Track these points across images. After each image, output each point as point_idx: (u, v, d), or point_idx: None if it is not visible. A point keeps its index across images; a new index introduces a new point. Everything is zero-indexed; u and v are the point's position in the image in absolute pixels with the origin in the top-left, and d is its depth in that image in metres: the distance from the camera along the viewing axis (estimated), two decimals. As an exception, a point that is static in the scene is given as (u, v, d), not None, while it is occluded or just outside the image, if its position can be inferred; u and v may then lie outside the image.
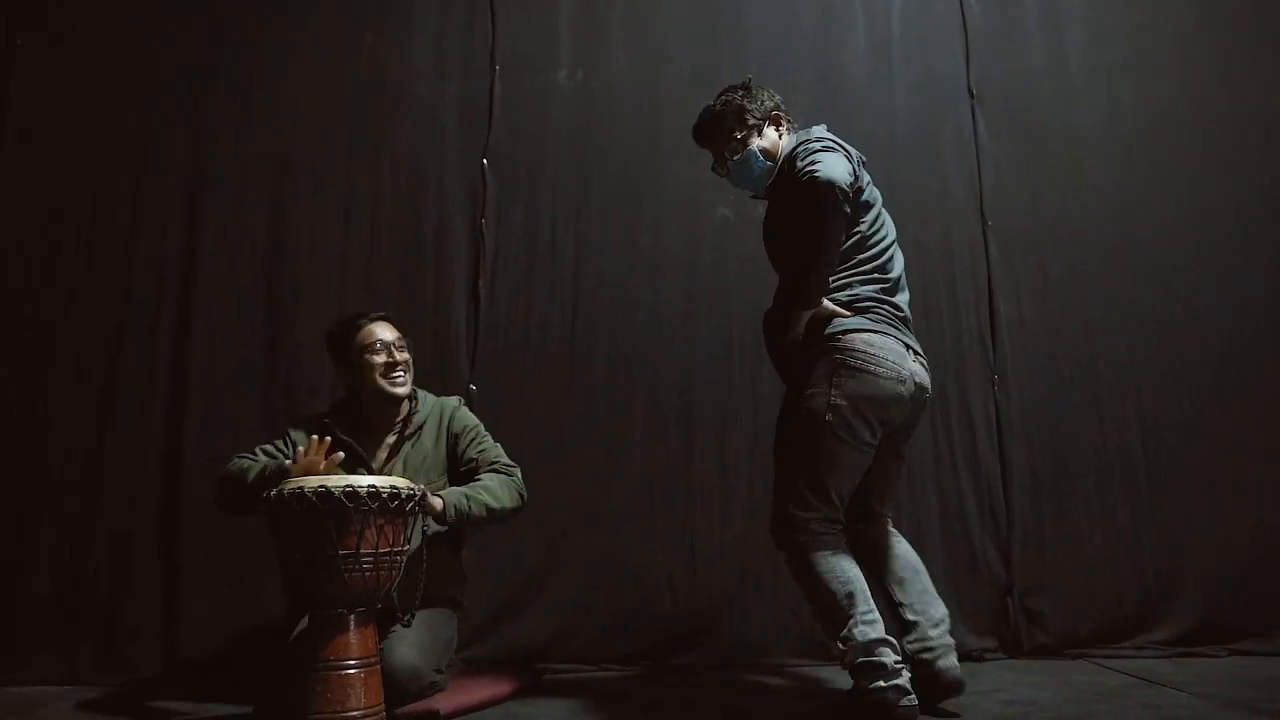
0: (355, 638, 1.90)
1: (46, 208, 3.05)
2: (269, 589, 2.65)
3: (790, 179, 2.11)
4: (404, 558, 1.98)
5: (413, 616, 2.06)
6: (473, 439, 2.38)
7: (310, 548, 1.87)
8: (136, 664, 2.73)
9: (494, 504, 2.21)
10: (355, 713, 1.85)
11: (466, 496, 2.17)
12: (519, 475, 2.34)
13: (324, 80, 3.21)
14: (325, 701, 1.83)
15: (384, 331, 2.36)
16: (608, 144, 3.23)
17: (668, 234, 3.17)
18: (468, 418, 2.44)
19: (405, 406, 2.39)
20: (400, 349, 2.37)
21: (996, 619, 2.97)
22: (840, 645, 1.99)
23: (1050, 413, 3.14)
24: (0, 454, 2.85)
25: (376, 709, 1.90)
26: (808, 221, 2.04)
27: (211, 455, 2.86)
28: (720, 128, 2.27)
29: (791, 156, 2.16)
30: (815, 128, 2.25)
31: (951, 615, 2.86)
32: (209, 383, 2.96)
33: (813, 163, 2.04)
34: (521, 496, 2.31)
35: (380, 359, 2.33)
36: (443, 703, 2.14)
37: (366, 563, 1.88)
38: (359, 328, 2.36)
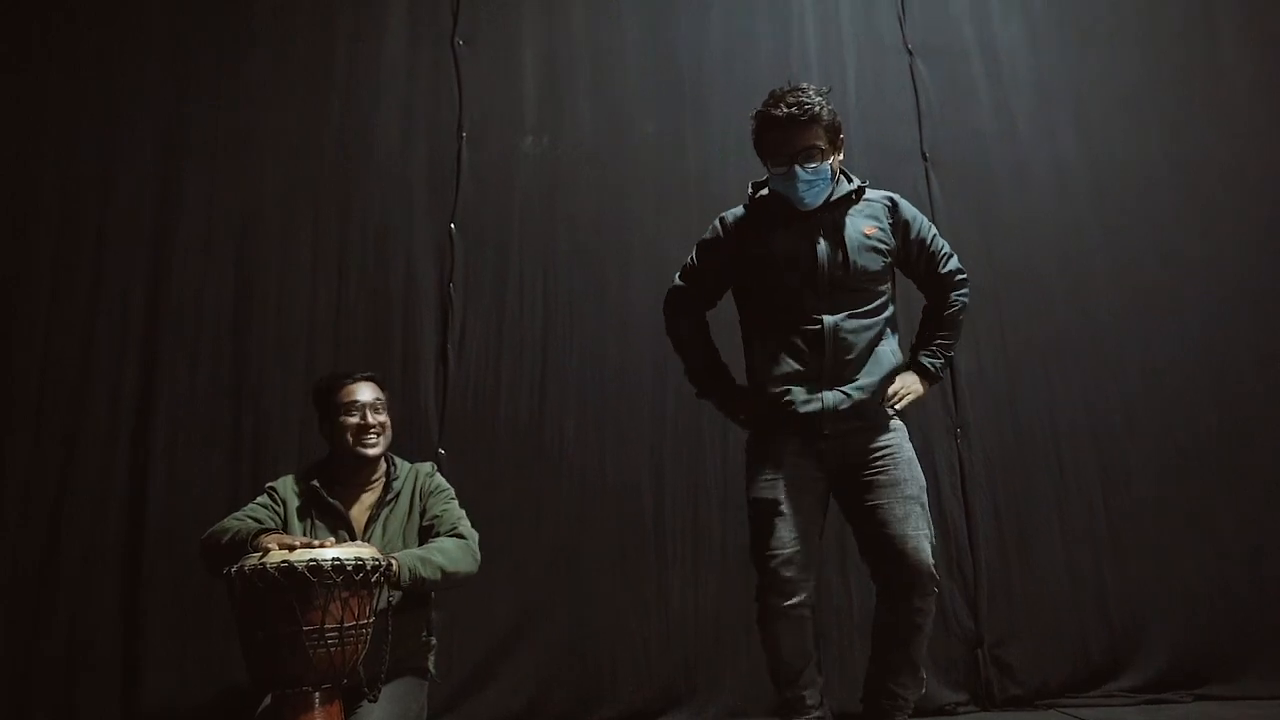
0: (320, 716, 1.87)
1: (3, 266, 3.01)
2: (234, 656, 2.58)
3: (913, 239, 2.24)
4: (369, 630, 1.96)
5: (379, 691, 2.03)
6: (440, 499, 2.38)
7: (273, 625, 1.84)
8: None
9: (449, 567, 2.18)
10: (320, 794, 1.81)
11: (421, 560, 2.15)
12: (475, 542, 2.32)
13: (292, 142, 3.25)
14: (289, 783, 1.80)
15: (363, 393, 2.37)
16: (574, 206, 3.29)
17: (635, 293, 3.20)
18: (440, 481, 2.43)
19: (382, 468, 2.39)
20: (377, 410, 2.37)
21: (967, 672, 2.98)
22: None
23: (1013, 463, 3.19)
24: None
25: (342, 789, 1.87)
26: (958, 313, 2.28)
27: (175, 516, 2.86)
28: (807, 130, 2.10)
29: (902, 212, 2.24)
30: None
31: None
32: (173, 444, 2.93)
33: (960, 265, 2.29)
34: (476, 561, 2.30)
35: (354, 420, 2.33)
36: (411, 777, 2.11)
37: (332, 638, 1.86)
38: (340, 386, 2.37)
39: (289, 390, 3.01)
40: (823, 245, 2.15)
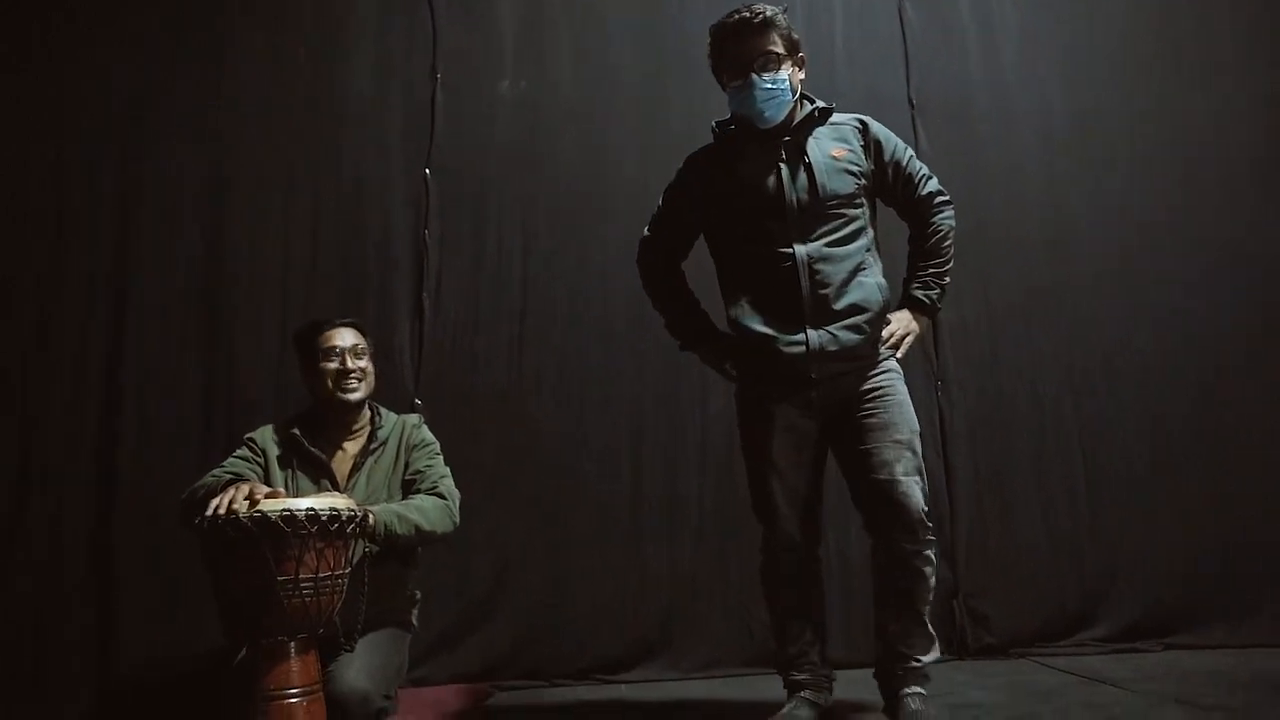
0: (296, 666, 1.85)
1: None
2: (209, 618, 2.56)
3: (887, 160, 2.12)
4: (345, 581, 1.94)
5: (356, 641, 2.01)
6: (425, 454, 2.35)
7: (247, 575, 1.81)
8: (69, 693, 2.63)
9: (425, 525, 2.16)
10: (297, 743, 1.80)
11: (398, 516, 2.13)
12: (456, 504, 2.30)
13: (262, 90, 3.14)
14: (266, 733, 1.78)
15: (344, 338, 2.33)
16: (553, 153, 3.21)
17: (616, 244, 3.11)
18: (426, 434, 2.41)
19: (366, 416, 2.35)
20: (358, 355, 2.33)
21: (943, 622, 3.01)
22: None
23: (993, 416, 3.20)
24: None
25: (319, 738, 1.86)
26: (944, 237, 2.14)
27: (149, 473, 2.81)
28: (761, 36, 2.02)
29: (874, 133, 2.13)
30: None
31: None
32: (144, 402, 2.87)
33: (940, 187, 2.16)
34: (454, 523, 2.28)
35: (333, 365, 2.29)
36: (390, 728, 2.10)
37: (306, 588, 1.83)
38: (320, 332, 2.33)
39: (263, 344, 2.95)
40: (787, 169, 2.04)
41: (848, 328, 2.00)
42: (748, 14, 2.03)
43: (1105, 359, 3.26)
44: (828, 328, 2.00)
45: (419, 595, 2.39)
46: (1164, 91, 3.48)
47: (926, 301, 2.15)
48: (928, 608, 2.04)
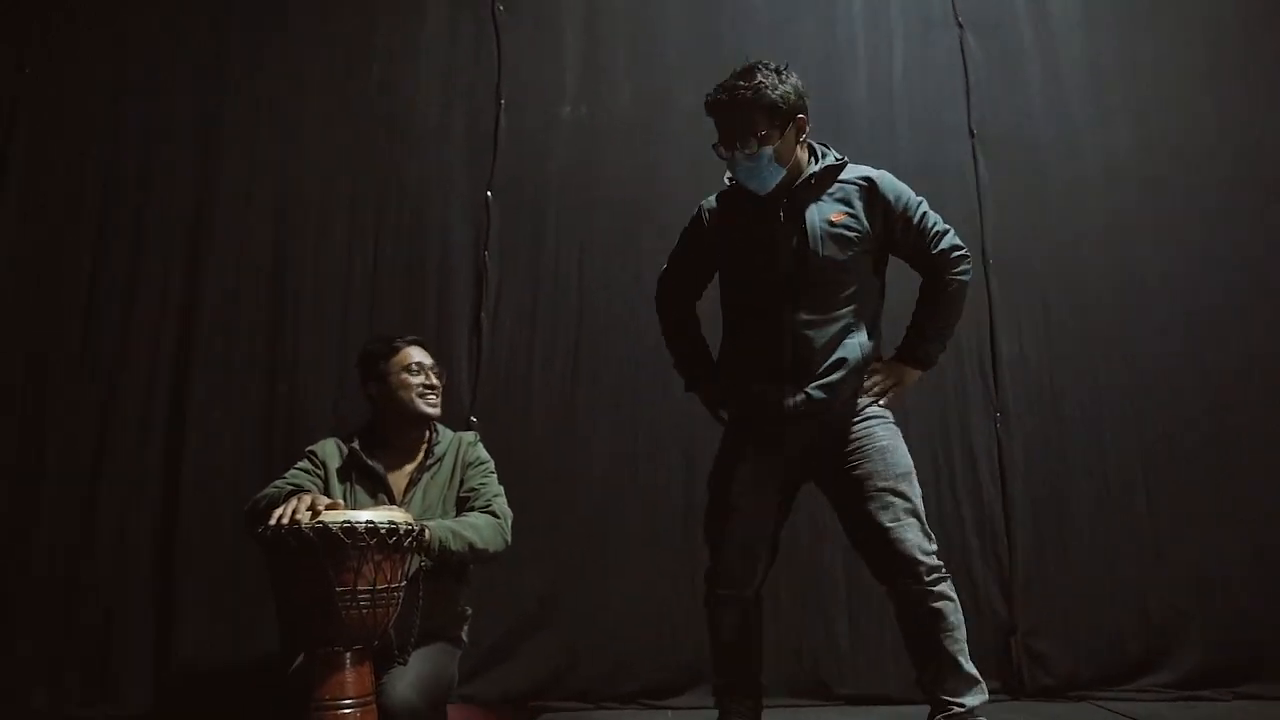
0: (351, 676, 1.87)
1: (50, 239, 3.06)
2: (265, 622, 2.62)
3: (895, 218, 2.08)
4: (401, 594, 1.96)
5: (410, 654, 2.03)
6: (479, 472, 2.38)
7: (307, 585, 1.85)
8: (128, 697, 2.70)
9: (478, 543, 2.18)
10: (350, 754, 1.82)
11: (452, 532, 2.15)
12: (508, 523, 2.32)
13: (331, 111, 3.25)
14: (320, 742, 1.80)
15: (422, 355, 2.40)
16: (611, 176, 3.25)
17: (670, 265, 3.17)
18: (482, 452, 2.44)
19: (424, 434, 2.40)
20: (437, 374, 2.39)
21: (999, 660, 2.94)
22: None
23: (1053, 450, 3.13)
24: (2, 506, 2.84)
25: (372, 750, 1.87)
26: (955, 294, 2.10)
27: (211, 487, 2.89)
28: (740, 115, 2.00)
29: (884, 190, 2.08)
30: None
31: None
32: (208, 415, 2.96)
33: (956, 241, 2.11)
34: (506, 541, 2.29)
35: (418, 379, 2.35)
36: (439, 742, 2.11)
37: (364, 600, 1.86)
38: (397, 349, 2.38)
39: (323, 360, 3.02)
40: (781, 235, 2.05)
41: (822, 387, 2.02)
42: (724, 95, 2.02)
43: (1171, 392, 3.18)
44: (806, 388, 2.02)
45: (470, 611, 2.41)
46: (1233, 116, 3.40)
47: (922, 356, 2.14)
48: (960, 646, 1.95)
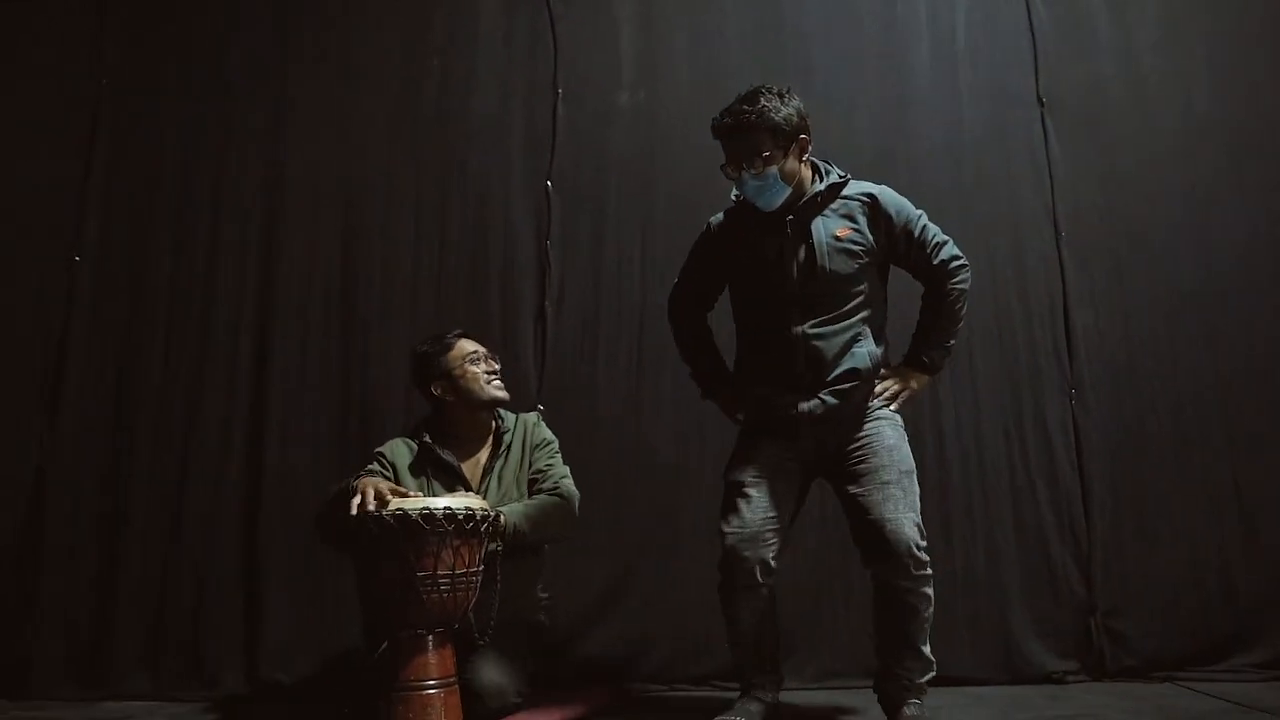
0: (434, 658, 1.94)
1: (132, 242, 3.19)
2: (348, 611, 2.70)
3: (897, 232, 2.20)
4: (479, 578, 2.01)
5: (489, 636, 2.08)
6: (546, 453, 2.44)
7: (388, 571, 1.91)
8: (221, 681, 2.82)
9: (549, 526, 2.26)
10: (436, 733, 1.88)
11: (525, 516, 2.21)
12: (576, 502, 2.37)
13: (393, 106, 3.31)
14: (407, 722, 1.87)
15: (475, 345, 2.46)
16: (671, 163, 3.24)
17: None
18: (546, 432, 2.51)
19: (492, 422, 2.44)
20: (494, 359, 2.46)
21: (1078, 640, 2.88)
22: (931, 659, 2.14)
23: (1131, 427, 3.04)
24: (91, 486, 2.97)
25: (456, 729, 1.93)
26: (955, 302, 2.23)
27: (289, 478, 2.99)
28: (746, 138, 2.13)
29: (884, 205, 2.20)
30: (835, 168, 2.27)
31: (1029, 635, 2.87)
32: (286, 408, 3.06)
33: (955, 252, 2.23)
34: (575, 523, 2.36)
35: (482, 367, 2.41)
36: (521, 721, 2.16)
37: (444, 584, 1.92)
38: (450, 345, 2.43)
39: (392, 351, 3.08)
40: (789, 250, 2.17)
41: (835, 394, 2.14)
42: (730, 120, 2.15)
43: (1254, 363, 3.06)
44: (820, 394, 2.14)
45: (547, 595, 2.46)
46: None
47: (928, 362, 2.27)
48: (924, 634, 2.12)
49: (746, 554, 2.12)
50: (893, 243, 2.21)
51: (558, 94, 3.28)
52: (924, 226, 2.22)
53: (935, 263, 2.22)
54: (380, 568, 1.93)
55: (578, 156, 3.25)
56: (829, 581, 2.92)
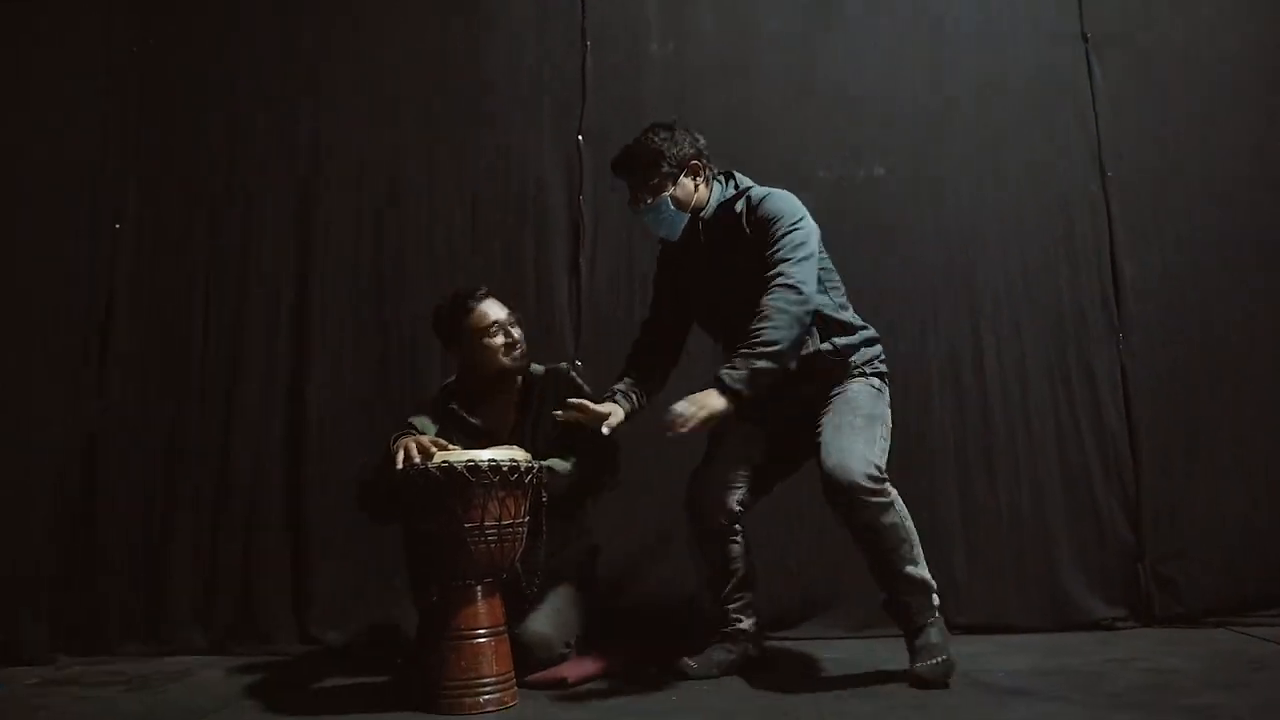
0: (484, 608, 1.96)
1: (173, 221, 3.19)
2: (394, 565, 2.73)
3: (757, 240, 2.19)
4: (525, 529, 2.02)
5: (535, 586, 2.10)
6: None
7: (436, 522, 1.93)
8: (273, 637, 2.88)
9: (591, 476, 2.31)
10: (488, 680, 1.91)
11: (566, 469, 2.21)
12: (619, 454, 2.37)
13: (421, 64, 3.28)
14: (459, 670, 1.90)
15: (496, 310, 2.39)
16: (701, 112, 3.14)
17: (766, 201, 3.11)
18: (579, 383, 2.47)
19: (518, 379, 2.43)
20: (514, 325, 2.40)
21: (1126, 587, 2.85)
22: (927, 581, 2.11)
23: (1180, 374, 2.97)
24: (146, 461, 3.02)
25: (507, 676, 1.95)
26: (765, 316, 2.08)
27: (332, 434, 3.02)
28: (637, 169, 2.26)
29: (759, 213, 2.21)
30: (743, 176, 2.35)
31: (1077, 582, 2.83)
32: (329, 368, 3.08)
33: (791, 270, 2.11)
34: (618, 474, 2.39)
35: (499, 340, 2.36)
36: (569, 671, 2.17)
37: (491, 535, 1.93)
38: (470, 310, 2.37)
39: (429, 313, 3.05)
40: (704, 264, 2.31)
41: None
42: (623, 157, 2.29)
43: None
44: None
45: (598, 547, 2.47)
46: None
47: (725, 381, 2.05)
48: (907, 556, 2.08)
49: (705, 503, 2.25)
50: (763, 244, 2.18)
51: (586, 45, 3.23)
52: (784, 234, 2.15)
53: (767, 275, 2.13)
54: (428, 520, 1.95)
55: (608, 108, 3.20)
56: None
